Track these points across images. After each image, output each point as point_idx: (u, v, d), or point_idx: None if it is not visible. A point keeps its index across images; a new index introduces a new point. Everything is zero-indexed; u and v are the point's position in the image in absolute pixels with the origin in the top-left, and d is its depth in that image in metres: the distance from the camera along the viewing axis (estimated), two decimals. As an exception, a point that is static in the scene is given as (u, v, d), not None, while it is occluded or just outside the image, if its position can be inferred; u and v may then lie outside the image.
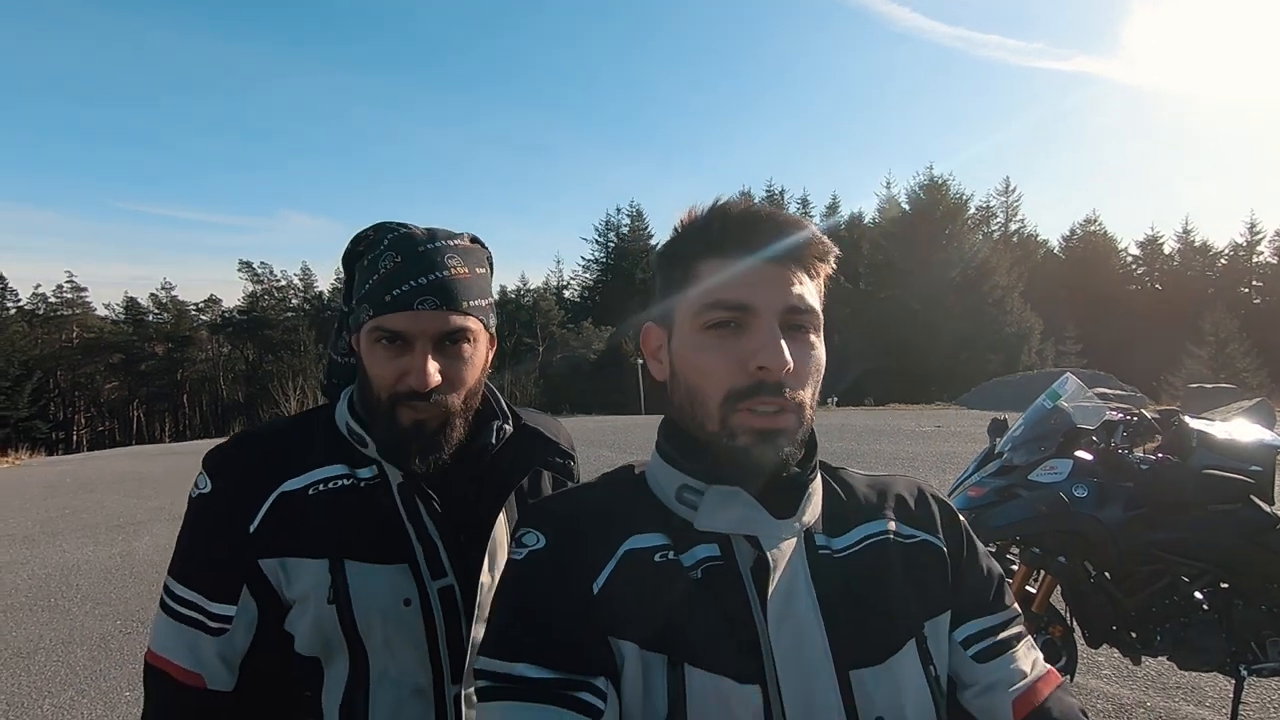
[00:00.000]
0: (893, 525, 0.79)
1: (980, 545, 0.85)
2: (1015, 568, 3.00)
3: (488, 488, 1.03)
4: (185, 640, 0.92)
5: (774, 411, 0.69)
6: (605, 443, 14.09)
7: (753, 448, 0.69)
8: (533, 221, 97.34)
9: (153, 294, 57.24)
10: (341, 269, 1.06)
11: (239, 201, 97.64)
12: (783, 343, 0.68)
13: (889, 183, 48.28)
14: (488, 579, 0.99)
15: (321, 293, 59.14)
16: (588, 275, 58.12)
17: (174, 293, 57.31)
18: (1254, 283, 50.09)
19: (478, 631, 0.96)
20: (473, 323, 0.97)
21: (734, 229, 0.73)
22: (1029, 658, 0.78)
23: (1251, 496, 2.60)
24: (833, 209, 53.49)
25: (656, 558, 0.71)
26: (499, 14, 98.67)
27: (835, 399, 29.50)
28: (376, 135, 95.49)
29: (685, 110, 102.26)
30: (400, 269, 0.95)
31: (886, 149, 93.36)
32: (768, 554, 0.71)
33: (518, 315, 52.27)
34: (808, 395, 0.71)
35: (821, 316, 0.74)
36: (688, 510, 0.74)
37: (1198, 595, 2.63)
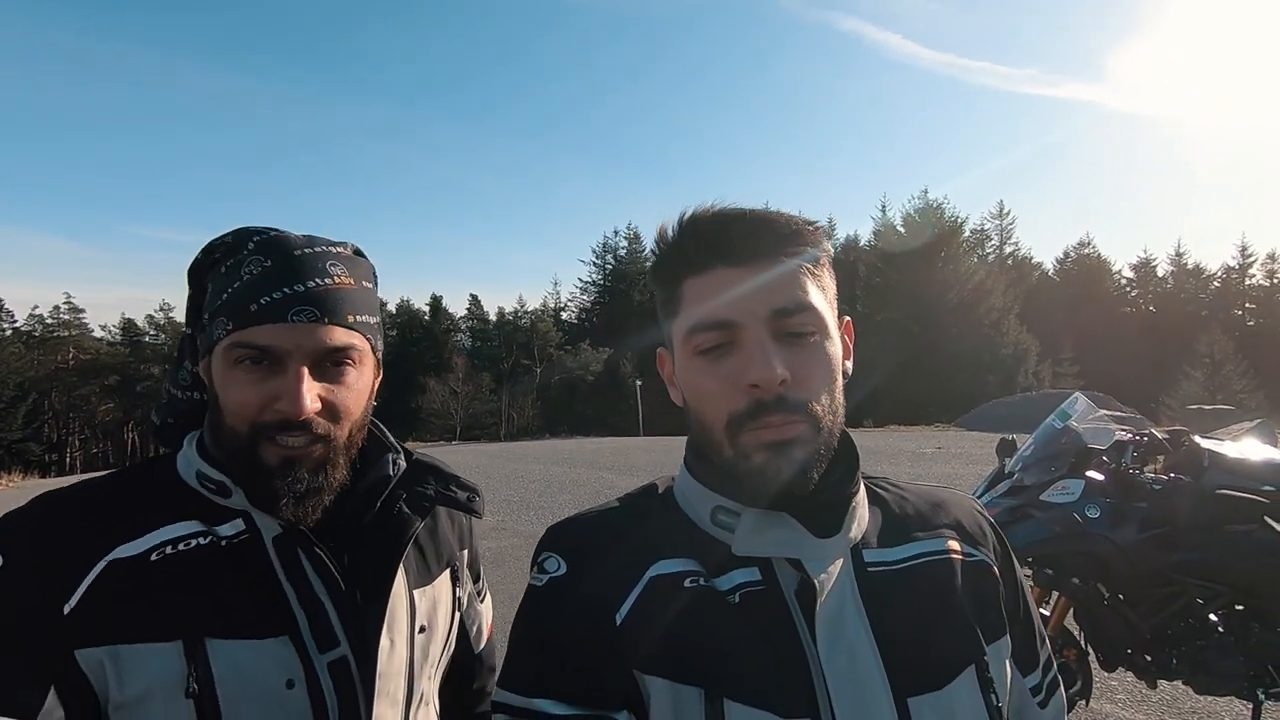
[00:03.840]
0: (955, 544, 0.75)
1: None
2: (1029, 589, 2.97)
3: (383, 534, 0.86)
4: None
5: (781, 424, 0.64)
6: (606, 465, 14.01)
7: (768, 464, 0.64)
8: (530, 244, 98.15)
9: (150, 315, 57.25)
10: (188, 284, 0.87)
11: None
12: (772, 354, 0.63)
13: (884, 206, 48.71)
14: (388, 643, 0.82)
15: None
16: (585, 297, 58.50)
17: (172, 314, 56.68)
18: (1247, 305, 50.45)
19: (380, 710, 0.80)
20: (359, 340, 0.83)
21: (705, 240, 0.68)
22: (1060, 690, 0.81)
23: (1266, 518, 2.59)
24: (829, 232, 53.70)
25: (687, 583, 0.67)
26: (496, 45, 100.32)
27: (870, 420, 28.75)
28: (375, 164, 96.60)
29: (684, 135, 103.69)
30: (269, 274, 0.79)
31: (882, 173, 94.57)
32: (813, 578, 0.66)
33: (515, 337, 52.39)
34: (821, 402, 0.66)
35: (826, 312, 0.68)
36: (723, 533, 0.70)
37: (1214, 618, 2.60)
